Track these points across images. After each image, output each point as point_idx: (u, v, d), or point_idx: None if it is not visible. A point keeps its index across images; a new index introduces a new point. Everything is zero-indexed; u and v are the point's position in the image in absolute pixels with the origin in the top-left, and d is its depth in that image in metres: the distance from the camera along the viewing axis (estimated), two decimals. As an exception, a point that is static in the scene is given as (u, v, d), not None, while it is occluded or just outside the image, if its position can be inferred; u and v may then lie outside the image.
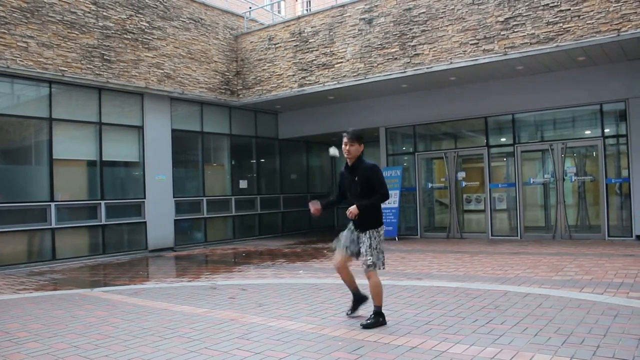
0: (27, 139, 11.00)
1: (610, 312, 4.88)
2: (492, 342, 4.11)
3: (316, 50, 12.71)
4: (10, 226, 10.18)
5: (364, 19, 11.94)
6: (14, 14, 9.93)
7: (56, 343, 4.58)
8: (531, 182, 12.51)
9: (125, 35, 11.74)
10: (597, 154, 11.57)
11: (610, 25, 9.11)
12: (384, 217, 5.04)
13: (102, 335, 4.77)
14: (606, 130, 11.50)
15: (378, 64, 11.70)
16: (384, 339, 4.30)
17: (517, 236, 12.22)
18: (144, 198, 12.45)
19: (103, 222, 11.62)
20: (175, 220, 13.13)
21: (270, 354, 4.04)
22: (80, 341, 4.61)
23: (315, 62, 12.72)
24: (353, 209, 4.71)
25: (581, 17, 9.38)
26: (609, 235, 11.20)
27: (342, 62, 12.27)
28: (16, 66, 9.96)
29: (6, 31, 9.82)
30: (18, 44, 9.99)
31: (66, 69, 10.69)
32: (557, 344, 3.99)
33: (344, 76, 12.23)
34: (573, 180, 11.97)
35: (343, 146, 4.85)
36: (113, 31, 11.52)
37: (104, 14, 11.38)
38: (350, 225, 4.96)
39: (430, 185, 14.04)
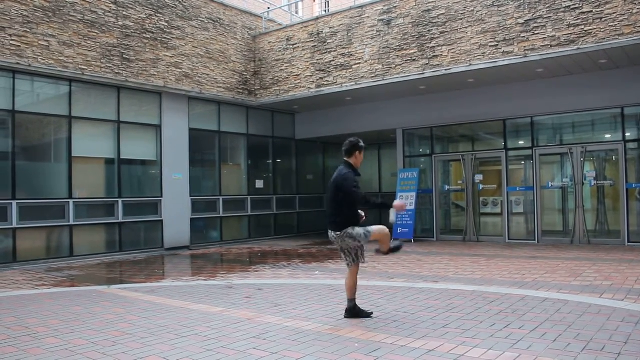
0: (47, 136, 11.15)
1: (631, 319, 4.80)
2: (510, 347, 4.06)
3: (334, 51, 12.70)
4: (29, 222, 10.32)
5: (382, 20, 11.90)
6: (36, 13, 10.07)
7: (74, 339, 4.63)
8: (549, 185, 12.37)
9: (144, 35, 11.84)
10: (618, 158, 11.40)
11: (634, 27, 8.97)
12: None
13: (119, 332, 4.81)
14: (627, 134, 11.31)
15: (396, 65, 11.65)
16: (400, 342, 4.28)
17: (535, 240, 12.08)
18: (161, 196, 12.53)
19: (120, 220, 11.73)
20: (191, 219, 13.21)
21: (286, 354, 4.04)
22: (98, 338, 4.65)
23: (333, 63, 12.71)
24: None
25: (603, 19, 9.25)
26: (629, 241, 11.01)
27: (360, 63, 12.24)
28: (37, 64, 10.10)
29: (28, 30, 9.96)
30: (39, 42, 10.13)
31: (86, 68, 10.81)
32: (576, 350, 3.94)
33: (362, 77, 12.20)
34: (592, 184, 11.81)
35: (358, 154, 5.26)
36: (132, 30, 11.63)
37: (124, 13, 11.49)
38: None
39: (447, 187, 13.95)
